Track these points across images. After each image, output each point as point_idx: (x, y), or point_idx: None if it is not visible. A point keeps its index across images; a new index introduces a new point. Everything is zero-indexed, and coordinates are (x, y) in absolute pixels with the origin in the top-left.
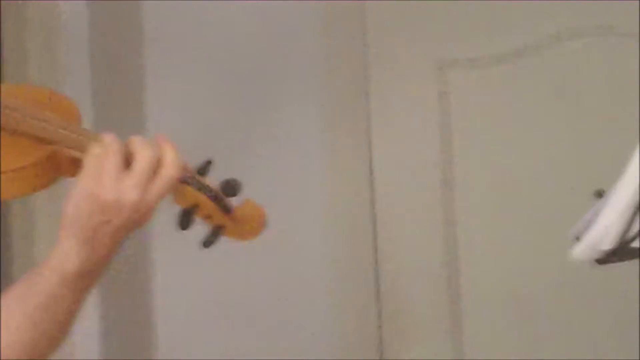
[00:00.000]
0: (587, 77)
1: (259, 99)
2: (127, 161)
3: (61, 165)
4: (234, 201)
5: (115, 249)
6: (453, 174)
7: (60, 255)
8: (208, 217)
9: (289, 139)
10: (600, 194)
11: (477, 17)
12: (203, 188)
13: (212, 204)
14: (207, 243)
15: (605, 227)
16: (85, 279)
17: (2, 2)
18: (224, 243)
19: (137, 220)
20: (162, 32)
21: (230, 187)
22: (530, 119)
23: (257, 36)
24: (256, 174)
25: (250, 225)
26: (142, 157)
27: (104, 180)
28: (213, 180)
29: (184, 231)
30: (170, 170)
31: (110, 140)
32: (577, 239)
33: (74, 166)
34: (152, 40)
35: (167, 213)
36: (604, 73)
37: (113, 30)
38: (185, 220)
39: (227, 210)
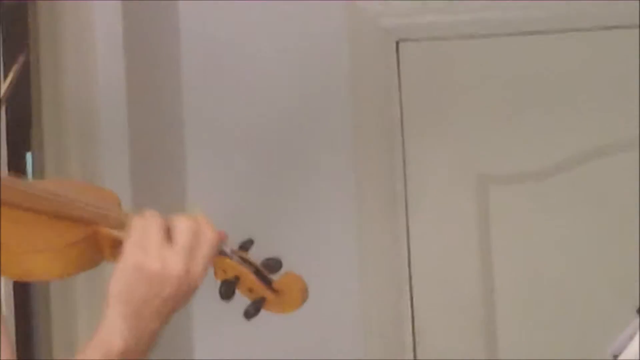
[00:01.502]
0: (625, 190)
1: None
2: (168, 235)
3: (103, 246)
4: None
5: (161, 326)
6: (493, 287)
7: (104, 332)
8: (249, 291)
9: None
10: None
11: (515, 134)
12: (244, 262)
13: (253, 277)
14: (249, 315)
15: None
16: (130, 356)
17: (42, 100)
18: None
19: (182, 294)
20: (200, 108)
21: (272, 264)
22: (570, 234)
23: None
24: (292, 251)
25: (290, 297)
26: (183, 227)
27: (148, 251)
28: (254, 257)
29: (226, 301)
30: (209, 235)
31: (151, 214)
32: (615, 357)
33: (116, 249)
34: (191, 117)
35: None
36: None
37: (153, 110)
38: (226, 290)
39: (268, 283)
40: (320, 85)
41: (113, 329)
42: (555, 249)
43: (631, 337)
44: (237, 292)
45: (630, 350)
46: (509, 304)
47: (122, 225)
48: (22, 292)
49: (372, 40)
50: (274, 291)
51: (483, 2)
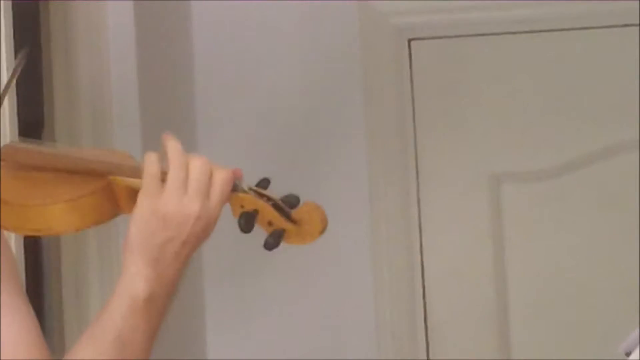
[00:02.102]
0: (636, 189)
1: None
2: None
3: (120, 198)
4: None
5: (181, 269)
6: (506, 285)
7: (127, 280)
8: (269, 224)
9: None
10: None
11: (528, 132)
12: (262, 196)
13: (272, 210)
14: (269, 245)
15: None
16: (155, 304)
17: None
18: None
19: (199, 234)
20: (212, 106)
21: (290, 199)
22: (582, 232)
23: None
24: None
25: (310, 227)
26: (195, 167)
27: (163, 195)
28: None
29: (246, 232)
30: (222, 174)
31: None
32: (627, 354)
33: (132, 200)
34: (203, 115)
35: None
36: None
37: (166, 108)
38: (247, 222)
39: (287, 215)
40: (332, 84)
41: (136, 276)
42: (568, 247)
43: None
44: (257, 226)
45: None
46: (522, 302)
47: (137, 173)
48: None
49: (384, 39)
50: (294, 222)
51: (495, 1)
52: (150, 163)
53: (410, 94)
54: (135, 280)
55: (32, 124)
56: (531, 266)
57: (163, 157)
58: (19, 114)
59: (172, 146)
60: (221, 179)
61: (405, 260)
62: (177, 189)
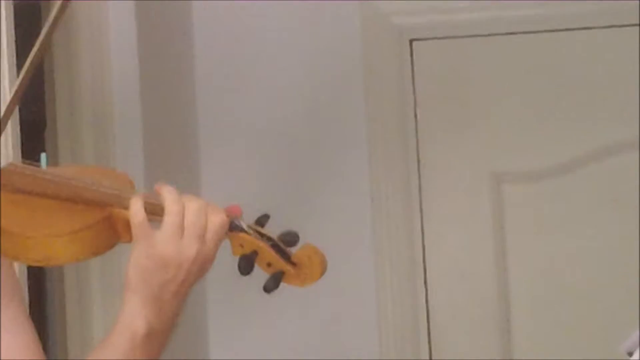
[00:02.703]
0: (638, 187)
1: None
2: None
3: (118, 228)
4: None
5: (180, 306)
6: (508, 285)
7: (128, 317)
8: (268, 265)
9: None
10: None
11: (529, 131)
12: (262, 236)
13: (271, 251)
14: (269, 288)
15: None
16: (154, 340)
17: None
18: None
19: (197, 273)
20: (213, 107)
21: (289, 238)
22: (584, 231)
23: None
24: None
25: (310, 270)
26: (191, 212)
27: (160, 240)
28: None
29: (245, 275)
30: (217, 218)
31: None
32: (630, 354)
33: (131, 230)
34: (204, 116)
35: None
36: None
37: (167, 109)
38: (245, 265)
39: (286, 256)
40: (334, 85)
41: (135, 313)
42: (569, 246)
43: None
44: (256, 266)
45: None
46: (524, 301)
47: None
48: (37, 280)
49: (386, 39)
50: (293, 264)
51: (496, 2)
52: (135, 213)
53: (412, 94)
54: (134, 318)
55: (34, 123)
56: (533, 265)
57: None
58: (21, 114)
59: (167, 191)
60: (216, 222)
61: (407, 259)
62: (173, 234)
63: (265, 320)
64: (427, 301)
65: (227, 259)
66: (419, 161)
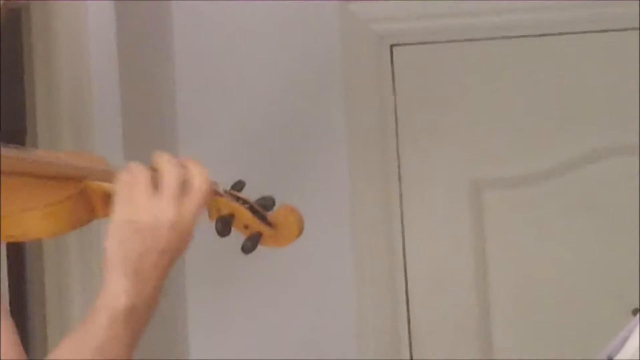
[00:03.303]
0: (619, 194)
1: None
2: (156, 183)
3: (95, 202)
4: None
5: (161, 280)
6: (488, 291)
7: (108, 293)
8: (245, 227)
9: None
10: (637, 312)
11: (509, 138)
12: (238, 199)
13: (248, 213)
14: (247, 249)
15: (637, 347)
16: (136, 315)
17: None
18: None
19: (177, 244)
20: (193, 109)
21: (265, 202)
22: (564, 238)
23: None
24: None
25: (287, 230)
26: (170, 174)
27: (137, 205)
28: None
29: (222, 236)
30: (199, 182)
31: (136, 166)
32: (610, 358)
33: (108, 204)
34: (184, 118)
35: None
36: (632, 191)
37: (147, 111)
38: (223, 227)
39: (263, 218)
40: (314, 90)
41: (115, 288)
42: (549, 253)
43: (626, 339)
44: (234, 230)
45: (627, 351)
46: (504, 308)
47: (110, 177)
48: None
49: (366, 45)
50: (270, 225)
51: (476, 6)
52: (124, 172)
53: (392, 100)
54: (114, 293)
55: (14, 129)
56: (512, 272)
57: (139, 166)
58: (1, 120)
59: (157, 155)
60: (196, 188)
61: (387, 266)
62: (151, 199)
63: (245, 324)
64: (407, 308)
65: (206, 254)
66: (399, 167)
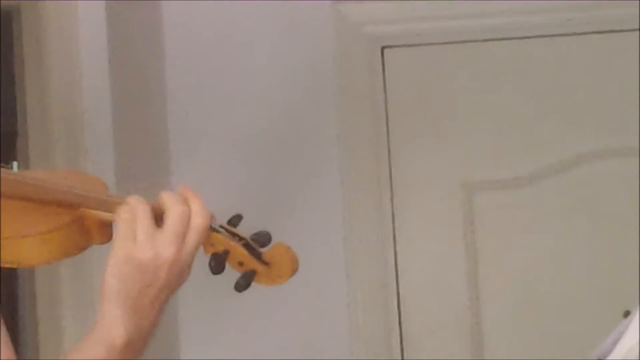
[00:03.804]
0: (610, 196)
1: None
2: (157, 219)
3: (91, 230)
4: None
5: (158, 314)
6: (479, 293)
7: (106, 326)
8: (239, 264)
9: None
10: (628, 315)
11: (500, 140)
12: (234, 236)
13: (243, 251)
14: (240, 287)
15: (629, 349)
16: (132, 349)
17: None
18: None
19: (176, 279)
20: (185, 111)
21: (261, 238)
22: (556, 239)
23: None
24: None
25: (281, 268)
26: (174, 213)
27: (139, 242)
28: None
29: (216, 274)
30: (199, 220)
31: (137, 201)
32: None
33: (104, 231)
34: (175, 120)
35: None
36: (625, 191)
37: (138, 116)
38: (216, 264)
39: (258, 255)
40: (306, 93)
41: (113, 323)
42: (541, 255)
43: (617, 341)
44: (228, 265)
45: (618, 352)
46: (496, 309)
47: (108, 206)
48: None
49: (358, 47)
50: (265, 263)
51: (469, 9)
52: (123, 210)
53: (384, 102)
54: (112, 328)
55: (5, 133)
56: (505, 274)
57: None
58: None
59: (162, 193)
60: (197, 226)
61: (379, 269)
62: (153, 235)
63: (237, 331)
64: (399, 310)
65: (197, 264)
66: (390, 170)
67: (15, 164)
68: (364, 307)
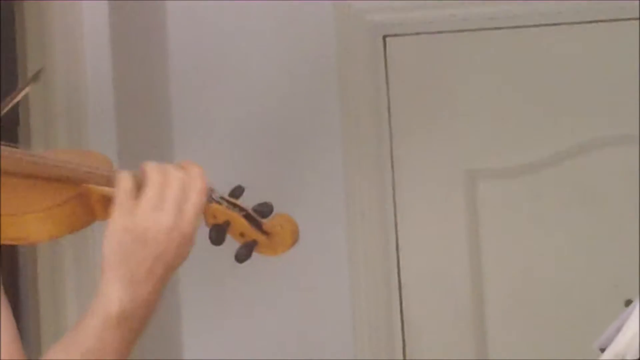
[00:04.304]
0: (611, 184)
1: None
2: (156, 190)
3: (94, 205)
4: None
5: (158, 289)
6: (482, 282)
7: (102, 297)
8: (241, 235)
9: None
10: (629, 304)
11: (503, 128)
12: (235, 206)
13: (244, 221)
14: (241, 258)
15: (631, 337)
16: (129, 322)
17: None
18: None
19: (175, 248)
20: (188, 105)
21: (263, 209)
22: (559, 228)
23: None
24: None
25: (282, 238)
26: (171, 182)
27: (137, 211)
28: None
29: (217, 246)
30: (198, 188)
31: (130, 173)
32: (602, 350)
33: (108, 207)
34: (179, 115)
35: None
36: (626, 181)
37: (141, 109)
38: (216, 235)
39: (259, 226)
40: (307, 82)
41: (109, 292)
42: (545, 244)
43: (619, 329)
44: (229, 237)
45: (619, 342)
46: (499, 299)
47: (111, 181)
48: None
49: (359, 36)
50: (265, 233)
51: None
52: (123, 179)
53: (386, 91)
54: (108, 298)
55: (7, 121)
56: (507, 263)
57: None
58: None
59: (148, 164)
60: (196, 193)
61: (381, 258)
62: (152, 206)
63: (240, 320)
64: (401, 298)
65: (198, 256)
66: (392, 158)
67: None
68: (366, 295)
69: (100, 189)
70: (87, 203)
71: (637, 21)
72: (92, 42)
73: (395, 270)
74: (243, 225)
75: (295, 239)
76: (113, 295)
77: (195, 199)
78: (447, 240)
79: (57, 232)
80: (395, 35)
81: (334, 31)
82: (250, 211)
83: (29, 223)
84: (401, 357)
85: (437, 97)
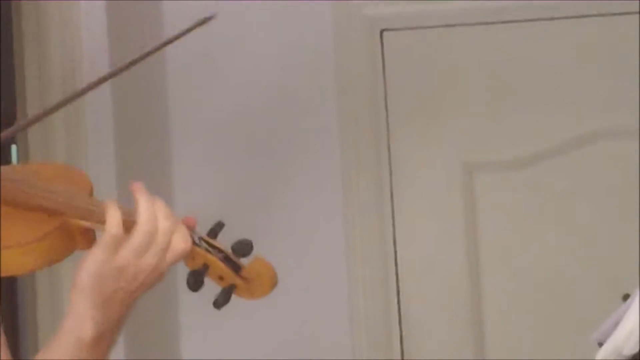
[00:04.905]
0: (610, 177)
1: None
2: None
3: (75, 235)
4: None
5: (128, 312)
6: (480, 276)
7: (75, 320)
8: (220, 278)
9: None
10: (627, 298)
11: (501, 121)
12: (213, 249)
13: (222, 265)
14: (218, 304)
15: (629, 331)
16: (100, 344)
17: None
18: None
19: (150, 283)
20: (185, 101)
21: (242, 248)
22: (556, 222)
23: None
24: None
25: (260, 284)
26: (158, 233)
27: (122, 251)
28: (227, 240)
29: (194, 292)
30: (182, 240)
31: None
32: (600, 344)
33: (88, 237)
34: (176, 111)
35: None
36: (624, 174)
37: (138, 104)
38: (194, 281)
39: (237, 270)
40: (305, 75)
41: (83, 318)
42: (542, 237)
43: (616, 324)
44: (208, 279)
45: (618, 335)
46: (496, 292)
47: (92, 218)
48: (8, 284)
49: (357, 30)
50: (243, 279)
51: None
52: (113, 224)
53: (383, 85)
54: (83, 321)
55: (4, 116)
56: (505, 256)
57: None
58: None
59: (144, 204)
60: (179, 242)
61: (379, 251)
62: (136, 252)
63: (237, 318)
64: (398, 293)
65: None
66: (390, 152)
67: (14, 148)
68: (364, 289)
69: (82, 222)
70: (68, 234)
71: (637, 15)
72: (89, 41)
73: (393, 264)
74: (221, 269)
75: (273, 284)
76: (87, 320)
77: (177, 252)
78: (445, 234)
79: (37, 265)
80: (393, 29)
81: (331, 26)
82: (229, 252)
83: (9, 257)
84: (399, 352)
85: (435, 90)
